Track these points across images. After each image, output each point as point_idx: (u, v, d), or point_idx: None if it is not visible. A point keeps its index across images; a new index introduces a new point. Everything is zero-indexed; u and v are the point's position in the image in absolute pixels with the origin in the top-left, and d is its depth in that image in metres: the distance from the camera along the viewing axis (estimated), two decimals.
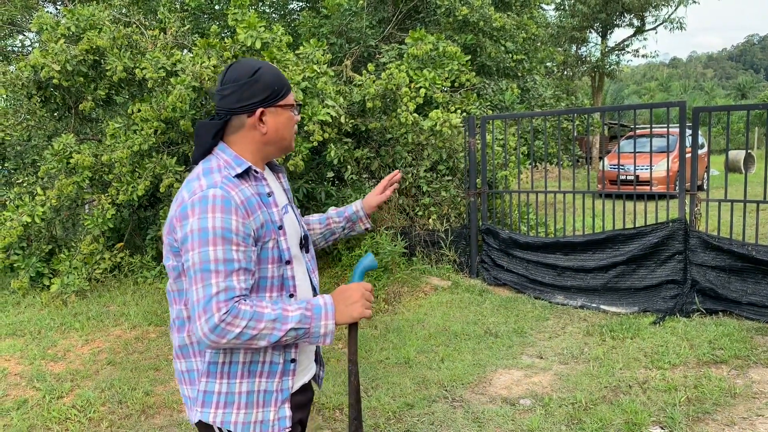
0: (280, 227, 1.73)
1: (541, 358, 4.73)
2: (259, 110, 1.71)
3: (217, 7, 9.69)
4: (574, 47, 22.52)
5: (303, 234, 1.88)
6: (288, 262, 1.74)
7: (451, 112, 6.81)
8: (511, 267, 6.62)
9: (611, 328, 5.22)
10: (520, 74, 10.38)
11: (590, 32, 22.20)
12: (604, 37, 22.28)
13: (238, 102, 1.69)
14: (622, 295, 5.91)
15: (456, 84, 7.25)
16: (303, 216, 2.18)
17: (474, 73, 7.22)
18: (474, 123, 6.92)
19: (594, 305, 5.90)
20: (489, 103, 9.16)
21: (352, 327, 1.82)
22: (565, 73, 22.09)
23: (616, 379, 4.23)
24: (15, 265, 6.79)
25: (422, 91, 6.66)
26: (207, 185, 1.61)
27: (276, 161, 1.95)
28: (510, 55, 9.82)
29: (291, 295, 1.75)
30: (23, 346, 5.28)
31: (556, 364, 4.60)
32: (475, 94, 7.91)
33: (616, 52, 22.69)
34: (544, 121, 7.07)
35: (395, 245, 6.55)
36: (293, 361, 1.75)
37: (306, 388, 1.86)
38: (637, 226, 6.00)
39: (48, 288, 6.67)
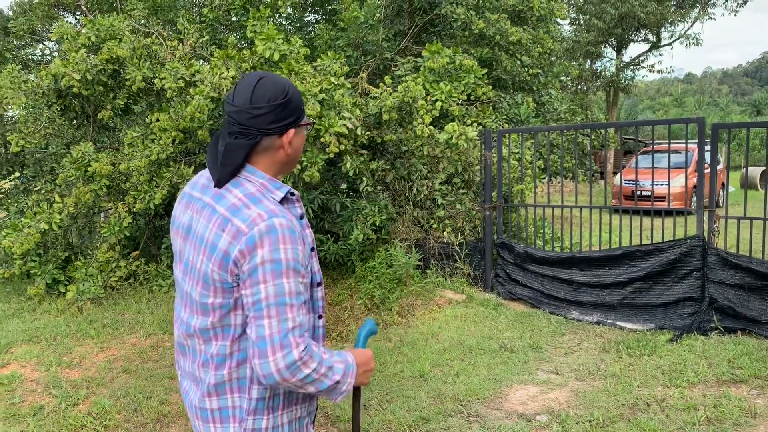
0: (312, 249, 1.71)
1: (557, 374, 4.69)
2: (291, 131, 1.67)
3: (234, 18, 9.77)
4: (589, 62, 22.46)
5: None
6: (319, 284, 1.73)
7: (467, 125, 6.81)
8: (527, 281, 6.58)
9: (628, 344, 5.17)
10: (535, 88, 10.38)
11: (605, 47, 22.14)
12: (619, 52, 22.21)
13: (272, 123, 1.63)
14: (638, 311, 5.85)
15: (472, 97, 7.25)
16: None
17: (490, 87, 7.22)
18: (490, 136, 6.91)
19: (610, 321, 5.85)
20: (504, 117, 9.17)
21: (358, 391, 1.83)
22: (580, 87, 22.02)
23: (633, 396, 4.18)
24: (31, 271, 6.83)
25: (438, 104, 6.67)
26: (267, 213, 1.55)
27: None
28: (526, 69, 9.83)
29: (320, 317, 1.75)
30: (39, 352, 5.30)
31: (572, 380, 4.56)
32: (491, 108, 7.90)
33: (631, 67, 22.62)
34: (561, 135, 7.05)
35: (409, 257, 6.54)
36: None
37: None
38: (654, 242, 5.96)
39: (64, 295, 6.70)
